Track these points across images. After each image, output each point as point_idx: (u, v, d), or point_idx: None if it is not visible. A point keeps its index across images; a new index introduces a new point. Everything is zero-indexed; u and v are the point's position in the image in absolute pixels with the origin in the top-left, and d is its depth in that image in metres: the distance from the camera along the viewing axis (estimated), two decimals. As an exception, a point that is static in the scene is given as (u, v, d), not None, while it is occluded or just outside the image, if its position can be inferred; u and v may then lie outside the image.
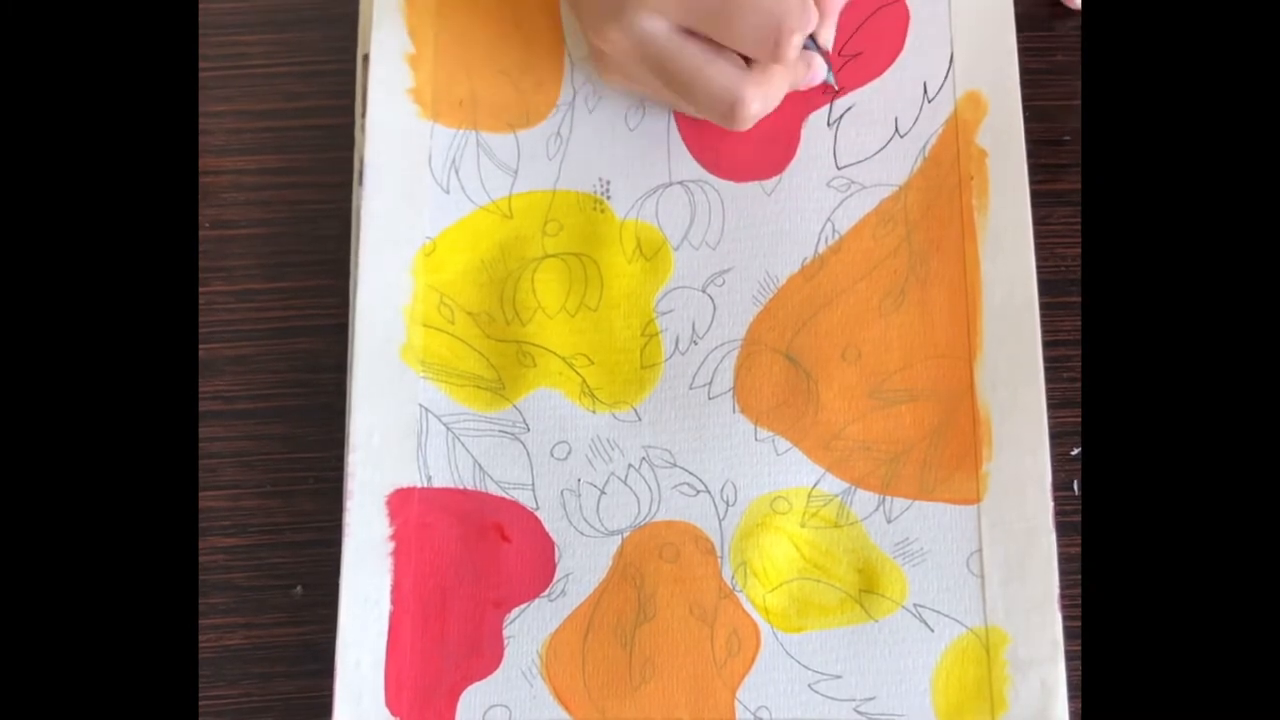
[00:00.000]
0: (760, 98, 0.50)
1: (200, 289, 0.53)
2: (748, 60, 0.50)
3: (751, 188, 0.53)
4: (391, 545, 0.50)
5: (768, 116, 0.53)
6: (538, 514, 0.50)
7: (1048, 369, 0.50)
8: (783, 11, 0.48)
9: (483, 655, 0.49)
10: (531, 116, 0.54)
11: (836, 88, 0.53)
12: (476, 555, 0.50)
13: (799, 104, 0.54)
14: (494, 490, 0.51)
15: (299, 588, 0.51)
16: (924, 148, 0.53)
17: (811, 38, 0.51)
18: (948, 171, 0.53)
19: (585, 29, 0.51)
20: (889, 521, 0.50)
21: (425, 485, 0.51)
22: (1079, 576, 0.49)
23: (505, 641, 0.49)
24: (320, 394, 0.53)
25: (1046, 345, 0.50)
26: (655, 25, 0.49)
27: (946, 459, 0.50)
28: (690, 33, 0.49)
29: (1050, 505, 0.49)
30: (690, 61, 0.49)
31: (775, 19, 0.47)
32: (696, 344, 0.52)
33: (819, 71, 0.52)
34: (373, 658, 0.49)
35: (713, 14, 0.48)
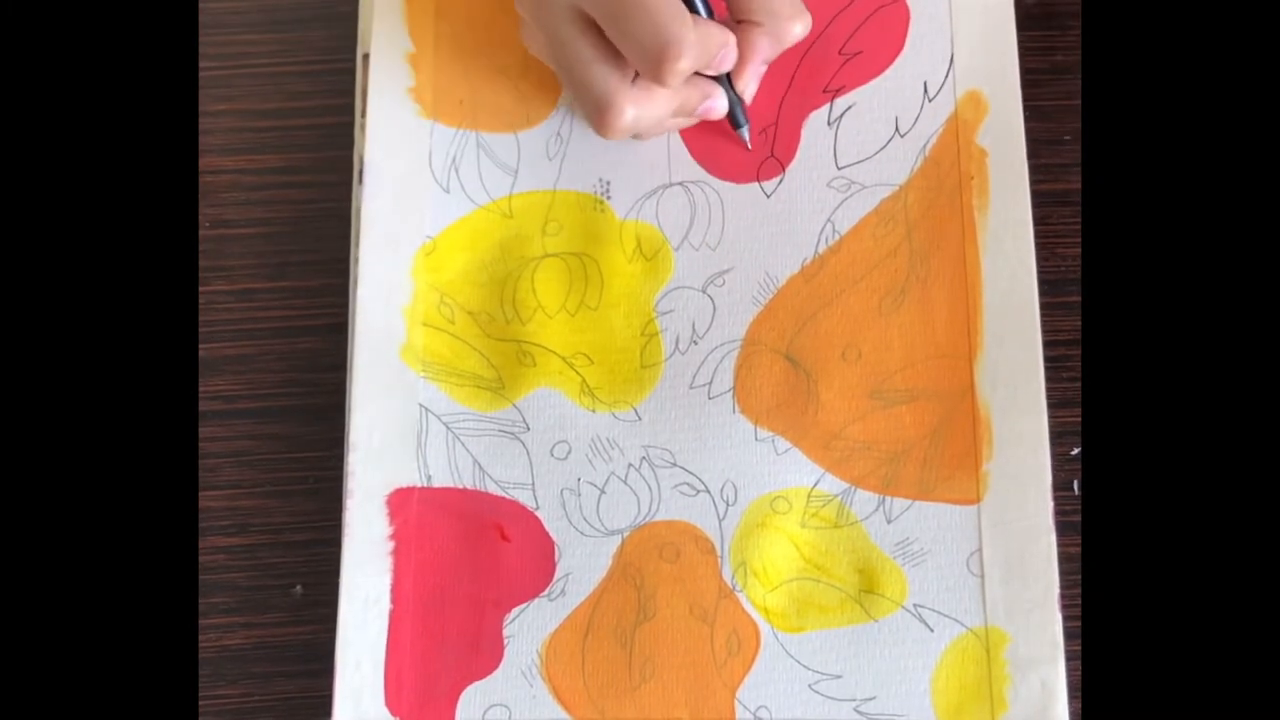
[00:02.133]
0: (634, 111, 0.49)
1: (200, 289, 0.53)
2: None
3: (751, 188, 0.53)
4: (391, 545, 0.50)
5: (767, 116, 0.53)
6: (538, 513, 0.50)
7: (1048, 369, 0.50)
8: (672, 33, 0.46)
9: (482, 655, 0.49)
10: (532, 117, 0.54)
11: (749, 147, 0.53)
12: (476, 555, 0.50)
13: (799, 103, 0.54)
14: (494, 490, 0.51)
15: (299, 588, 0.51)
16: (924, 147, 0.53)
17: (730, 79, 0.51)
18: (948, 171, 0.53)
19: None
20: (889, 521, 0.50)
21: (425, 485, 0.51)
22: (1079, 576, 0.49)
23: (505, 641, 0.49)
24: (320, 394, 0.53)
25: (1046, 345, 0.50)
26: (563, 5, 0.48)
27: (947, 459, 0.50)
28: (593, 28, 0.48)
29: (1050, 505, 0.49)
30: (580, 52, 0.48)
31: (662, 37, 0.46)
32: (696, 344, 0.52)
33: (717, 105, 0.52)
34: (373, 657, 0.49)
35: (610, 9, 0.47)
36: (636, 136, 0.51)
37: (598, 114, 0.49)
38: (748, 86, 0.52)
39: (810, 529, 0.50)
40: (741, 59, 0.51)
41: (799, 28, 0.51)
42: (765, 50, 0.51)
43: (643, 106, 0.49)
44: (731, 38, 0.50)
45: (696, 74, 0.50)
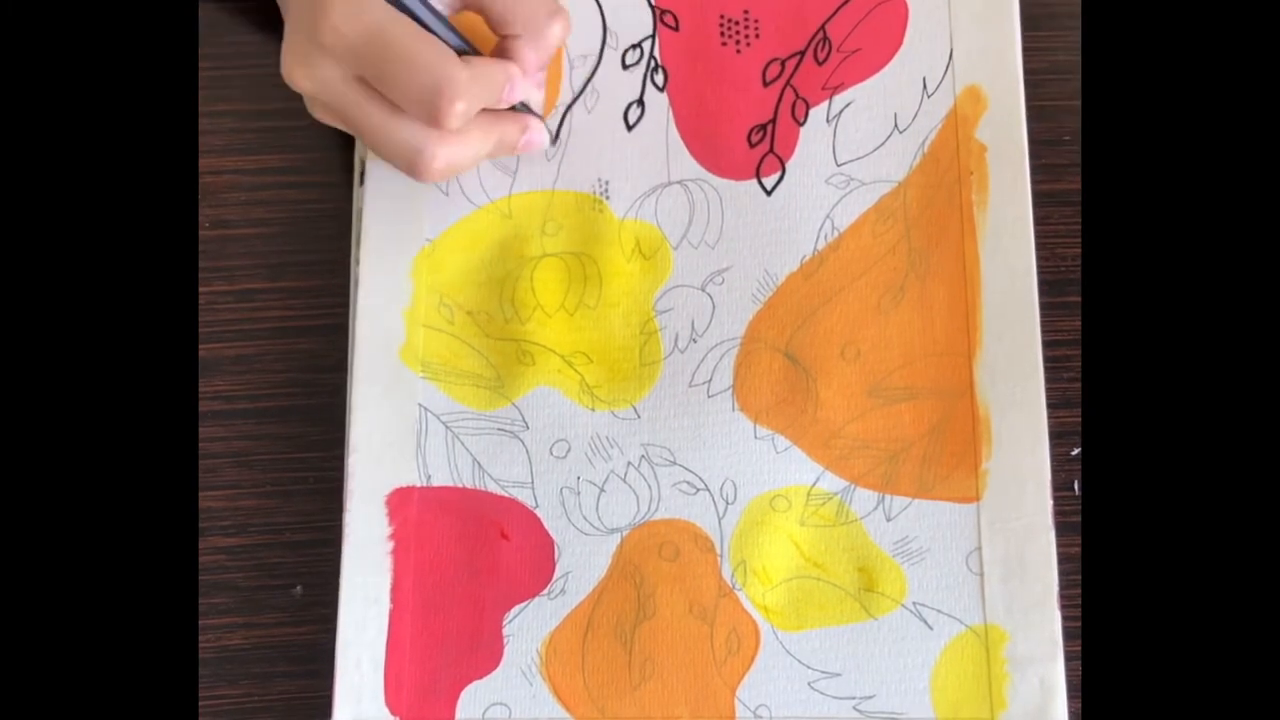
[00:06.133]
0: (445, 155, 0.48)
1: (200, 289, 0.53)
2: None
3: (750, 186, 0.53)
4: (391, 544, 0.50)
5: (765, 113, 0.53)
6: (537, 512, 0.50)
7: (1048, 369, 0.50)
8: (441, 78, 0.45)
9: (482, 653, 0.49)
10: (530, 116, 0.54)
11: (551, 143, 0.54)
12: (476, 554, 0.50)
13: (797, 100, 0.54)
14: (493, 489, 0.51)
15: (299, 588, 0.51)
16: (923, 143, 0.53)
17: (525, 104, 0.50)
18: (947, 167, 0.53)
19: (283, 71, 0.48)
20: (888, 520, 0.50)
21: (425, 484, 0.51)
22: (1079, 576, 0.49)
23: (505, 640, 0.49)
24: (320, 394, 0.53)
25: (1046, 345, 0.50)
26: (334, 73, 0.47)
27: (946, 457, 0.50)
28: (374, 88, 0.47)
29: (1049, 503, 0.49)
30: (372, 114, 0.47)
31: (433, 84, 0.45)
32: (696, 342, 0.52)
33: (536, 138, 0.51)
34: (373, 656, 0.49)
35: (376, 69, 0.46)
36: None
37: (410, 167, 0.48)
38: (530, 98, 0.51)
39: (810, 527, 0.50)
40: (522, 70, 0.49)
41: (558, 29, 0.50)
42: (532, 60, 0.50)
43: (453, 148, 0.48)
44: (514, 69, 0.48)
45: (506, 109, 0.50)
